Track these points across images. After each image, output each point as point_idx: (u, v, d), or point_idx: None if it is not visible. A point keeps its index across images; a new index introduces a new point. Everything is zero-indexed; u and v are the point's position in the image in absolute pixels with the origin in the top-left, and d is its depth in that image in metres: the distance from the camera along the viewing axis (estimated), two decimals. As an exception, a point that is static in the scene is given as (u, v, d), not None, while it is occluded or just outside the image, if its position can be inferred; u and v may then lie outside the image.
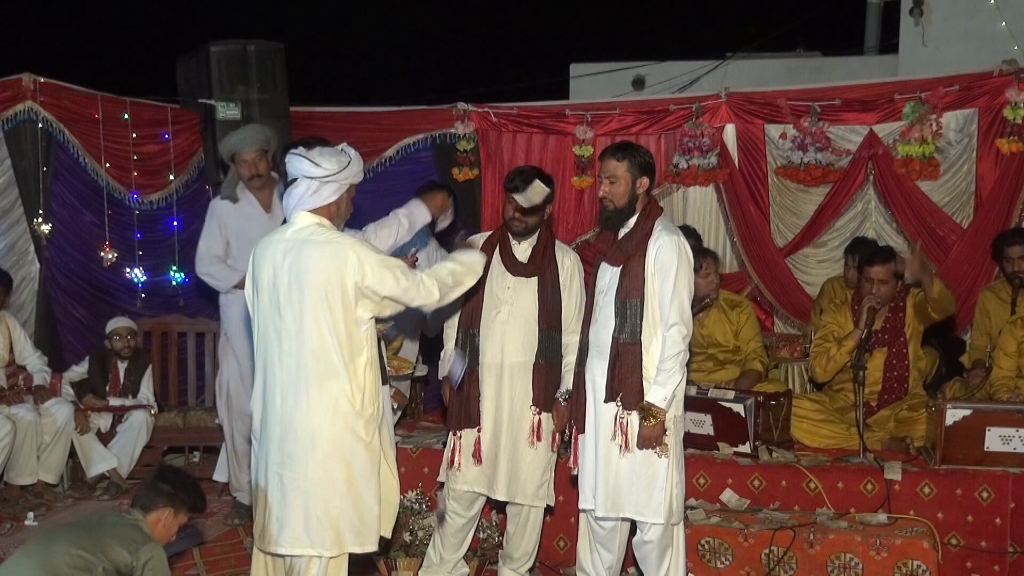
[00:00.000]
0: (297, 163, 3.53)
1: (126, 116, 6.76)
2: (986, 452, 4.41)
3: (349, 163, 3.55)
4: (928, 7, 8.74)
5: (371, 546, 3.54)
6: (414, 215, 4.22)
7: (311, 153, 3.52)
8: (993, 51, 7.39)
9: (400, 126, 7.35)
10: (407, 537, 4.57)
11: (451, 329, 4.44)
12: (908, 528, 4.25)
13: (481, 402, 4.30)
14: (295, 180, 3.57)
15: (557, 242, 4.43)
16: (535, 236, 4.31)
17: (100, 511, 4.10)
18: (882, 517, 4.34)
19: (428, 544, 4.50)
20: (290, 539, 3.45)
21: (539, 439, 4.27)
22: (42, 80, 6.41)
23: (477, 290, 4.27)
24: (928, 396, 5.07)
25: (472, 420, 4.30)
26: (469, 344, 4.31)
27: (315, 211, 3.55)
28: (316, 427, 3.45)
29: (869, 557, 4.14)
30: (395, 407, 5.35)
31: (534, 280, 4.29)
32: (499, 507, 4.62)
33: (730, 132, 6.78)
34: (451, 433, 4.39)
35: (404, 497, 4.68)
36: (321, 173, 3.50)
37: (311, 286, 3.44)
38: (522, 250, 4.32)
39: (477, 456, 4.29)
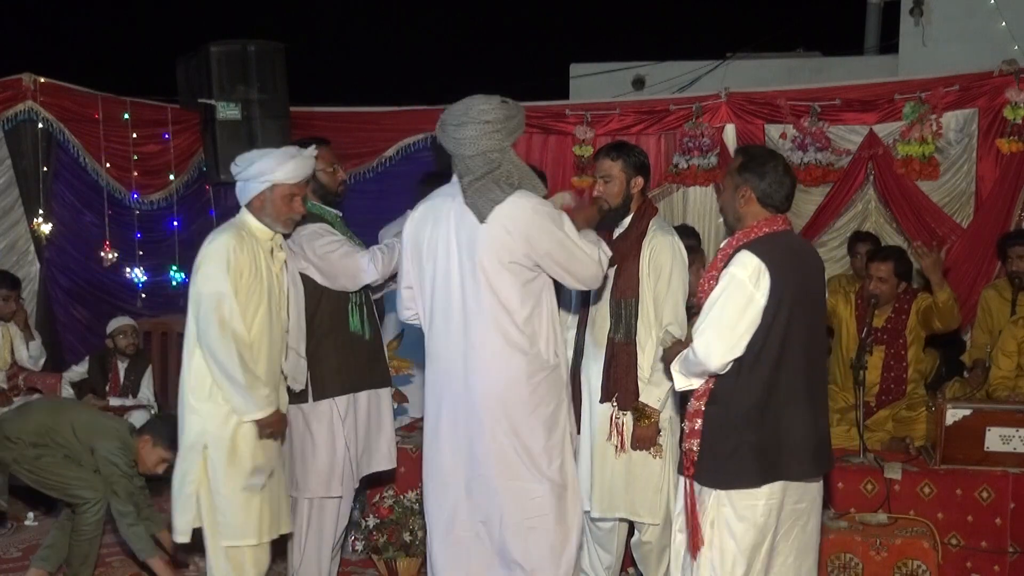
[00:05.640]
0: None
1: (126, 116, 6.77)
2: (986, 452, 4.40)
3: (252, 163, 3.71)
4: (928, 7, 8.74)
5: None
6: None
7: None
8: (993, 51, 7.38)
9: (400, 126, 7.35)
10: (407, 537, 4.56)
11: None
12: (908, 528, 4.25)
13: None
14: None
15: None
16: None
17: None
18: (882, 517, 4.34)
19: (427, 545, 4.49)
20: None
21: None
22: (42, 80, 6.42)
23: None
24: (928, 396, 5.07)
25: None
26: None
27: (247, 207, 3.77)
28: None
29: (869, 557, 4.14)
30: (395, 407, 5.35)
31: None
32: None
33: (730, 132, 6.78)
34: None
35: (404, 497, 4.68)
36: (235, 171, 3.77)
37: None
38: None
39: None
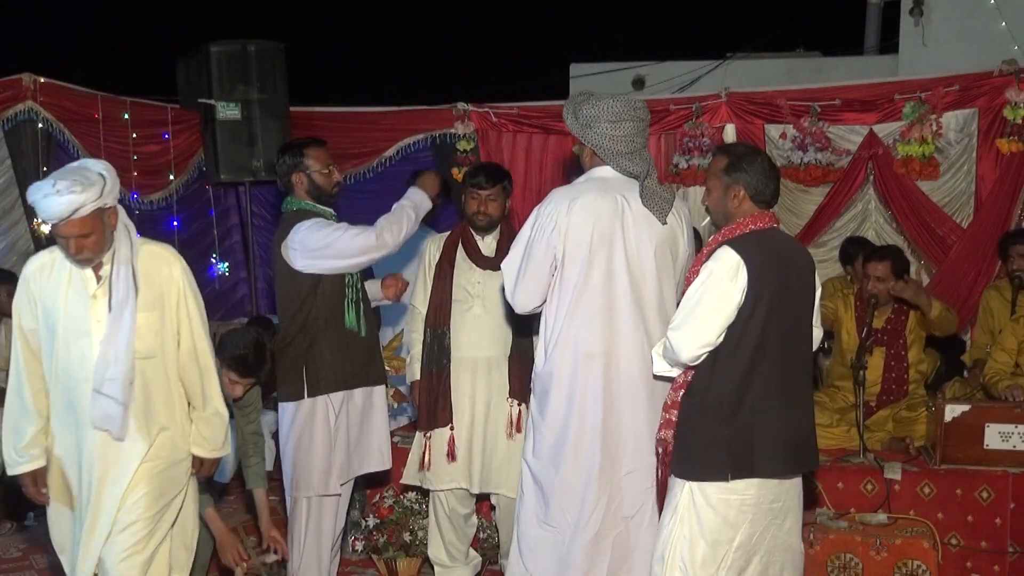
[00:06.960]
0: None
1: (126, 116, 6.75)
2: (986, 450, 4.41)
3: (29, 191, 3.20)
4: (928, 7, 8.74)
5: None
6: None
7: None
8: (993, 51, 7.38)
9: (400, 126, 7.35)
10: (407, 537, 4.56)
11: (415, 333, 4.41)
12: (908, 528, 4.25)
13: (455, 399, 4.27)
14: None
15: None
16: (497, 230, 4.34)
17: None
18: (882, 517, 4.34)
19: (427, 545, 4.49)
20: None
21: (519, 430, 4.18)
22: (42, 80, 6.40)
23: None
24: (928, 396, 5.07)
25: (444, 419, 4.27)
26: (438, 343, 4.27)
27: None
28: None
29: (869, 557, 4.15)
30: (395, 407, 5.35)
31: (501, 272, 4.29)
32: (499, 507, 4.60)
33: (730, 132, 6.77)
34: (421, 434, 4.33)
35: (404, 497, 4.69)
36: None
37: None
38: (487, 244, 4.33)
39: (451, 455, 4.25)
